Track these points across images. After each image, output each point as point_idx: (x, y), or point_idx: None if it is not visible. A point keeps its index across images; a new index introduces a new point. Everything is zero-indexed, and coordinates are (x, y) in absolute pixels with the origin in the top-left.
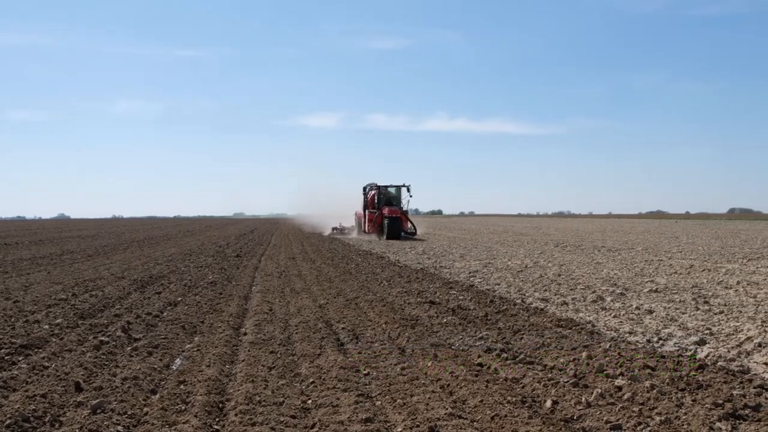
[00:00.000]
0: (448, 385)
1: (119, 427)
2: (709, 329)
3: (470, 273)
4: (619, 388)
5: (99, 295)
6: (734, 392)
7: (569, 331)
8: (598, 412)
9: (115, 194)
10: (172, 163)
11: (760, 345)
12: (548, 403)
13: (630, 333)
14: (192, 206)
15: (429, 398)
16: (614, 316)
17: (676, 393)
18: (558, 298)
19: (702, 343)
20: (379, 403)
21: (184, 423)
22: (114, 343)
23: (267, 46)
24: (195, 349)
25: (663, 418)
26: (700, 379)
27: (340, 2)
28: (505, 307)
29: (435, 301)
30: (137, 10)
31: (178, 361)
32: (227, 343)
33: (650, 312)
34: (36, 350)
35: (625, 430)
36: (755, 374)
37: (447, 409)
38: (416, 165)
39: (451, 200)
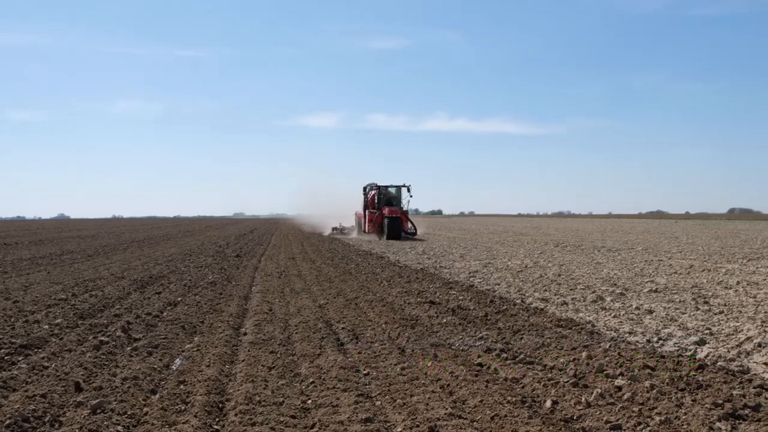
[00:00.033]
0: (448, 385)
1: (119, 427)
2: (709, 329)
3: (470, 273)
4: (619, 388)
5: (99, 295)
6: (734, 392)
7: (569, 331)
8: (598, 412)
9: (115, 194)
10: (172, 163)
11: (759, 345)
12: (548, 403)
13: (630, 333)
14: (192, 206)
15: (429, 398)
16: (614, 316)
17: (675, 393)
18: (558, 298)
19: (702, 343)
20: (378, 403)
21: (184, 423)
22: (114, 343)
23: (267, 46)
24: (195, 349)
25: (663, 418)
26: (700, 379)
27: (340, 2)
28: (505, 307)
29: (435, 301)
30: (137, 10)
31: (178, 361)
32: (227, 343)
33: (650, 312)
34: (36, 350)
35: (625, 430)
36: (755, 374)
37: (447, 409)
38: (416, 165)
39: (451, 200)
